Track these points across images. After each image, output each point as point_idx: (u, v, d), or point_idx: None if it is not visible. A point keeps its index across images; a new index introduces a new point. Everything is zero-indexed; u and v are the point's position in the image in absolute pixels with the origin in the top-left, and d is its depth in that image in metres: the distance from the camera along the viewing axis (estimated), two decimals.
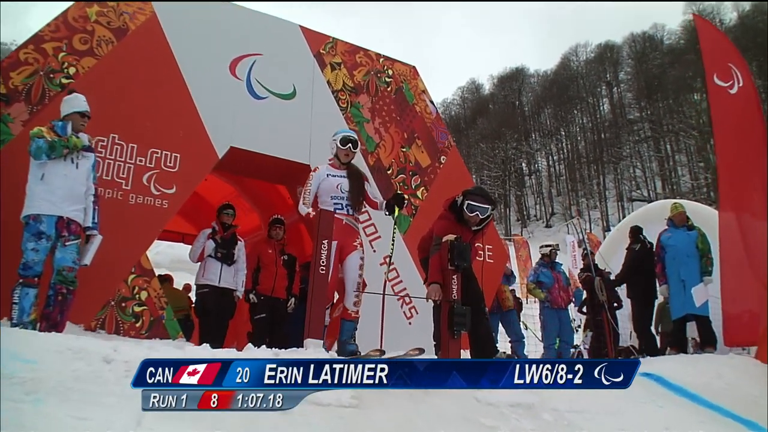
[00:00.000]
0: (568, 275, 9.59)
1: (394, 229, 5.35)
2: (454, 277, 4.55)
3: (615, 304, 9.23)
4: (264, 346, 6.75)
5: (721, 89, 7.42)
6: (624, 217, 57.36)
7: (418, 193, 8.14)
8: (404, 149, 8.20)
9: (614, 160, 62.58)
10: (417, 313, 7.44)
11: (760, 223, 6.68)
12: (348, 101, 7.91)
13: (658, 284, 7.93)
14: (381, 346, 4.73)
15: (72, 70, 6.01)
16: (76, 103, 5.00)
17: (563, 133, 73.69)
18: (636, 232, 8.85)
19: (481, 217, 4.96)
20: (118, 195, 5.96)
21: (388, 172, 7.96)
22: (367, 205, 5.47)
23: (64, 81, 5.92)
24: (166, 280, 9.29)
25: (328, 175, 5.32)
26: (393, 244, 5.29)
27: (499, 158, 72.85)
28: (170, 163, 6.34)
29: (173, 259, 17.47)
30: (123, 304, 5.77)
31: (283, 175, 7.83)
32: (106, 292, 5.70)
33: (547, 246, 9.57)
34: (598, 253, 11.50)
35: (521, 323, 10.14)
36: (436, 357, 5.12)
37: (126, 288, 5.82)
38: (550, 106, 76.02)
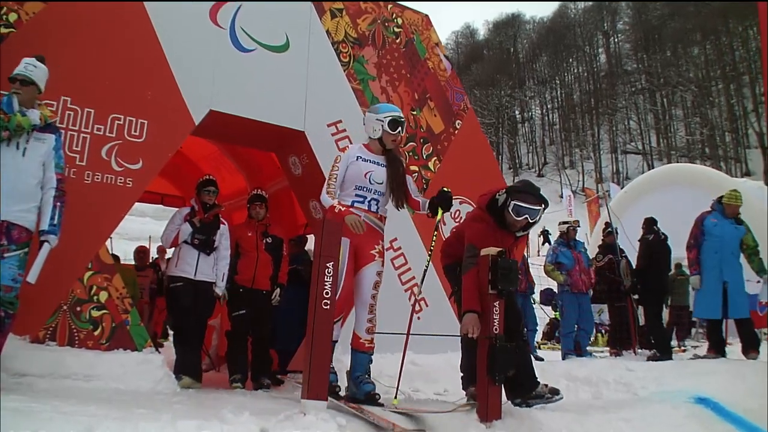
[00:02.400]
0: (589, 255, 8.62)
1: (434, 239, 4.24)
2: (496, 304, 3.51)
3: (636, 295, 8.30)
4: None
5: None
6: (618, 170, 57.12)
7: (430, 164, 7.05)
8: (414, 112, 7.05)
9: (609, 112, 61.29)
10: (427, 305, 6.46)
11: None
12: (350, 55, 6.70)
13: (689, 272, 7.08)
14: (396, 394, 3.94)
15: (13, 17, 4.81)
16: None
17: (558, 81, 72.14)
18: (650, 223, 8.08)
19: (530, 220, 3.88)
20: (71, 173, 4.82)
21: None
22: (406, 205, 4.46)
23: (3, 30, 4.73)
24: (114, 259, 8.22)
25: (358, 157, 4.29)
26: (428, 262, 4.22)
27: (493, 105, 71.33)
28: (136, 131, 5.20)
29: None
30: (78, 309, 4.72)
31: (272, 143, 6.68)
32: (57, 294, 4.64)
33: (564, 223, 8.58)
34: (610, 208, 10.41)
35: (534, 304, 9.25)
36: (464, 393, 4.17)
37: (81, 288, 4.76)
38: (546, 54, 74.21)
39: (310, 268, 7.58)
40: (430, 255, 4.25)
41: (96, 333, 4.75)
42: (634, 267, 8.15)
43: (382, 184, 4.27)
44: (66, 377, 4.27)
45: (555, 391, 4.04)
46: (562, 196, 40.28)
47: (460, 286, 4.08)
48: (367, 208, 4.21)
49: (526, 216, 3.86)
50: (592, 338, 10.12)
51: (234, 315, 5.84)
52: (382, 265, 4.22)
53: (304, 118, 6.22)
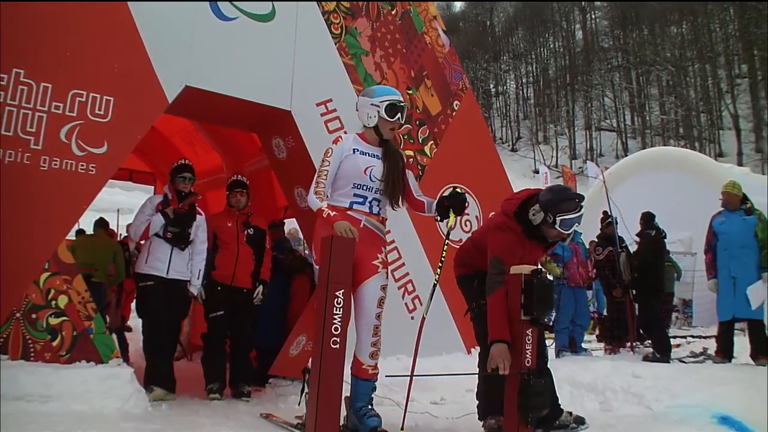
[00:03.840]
0: (588, 247, 8.20)
1: (444, 248, 3.63)
2: (529, 332, 3.00)
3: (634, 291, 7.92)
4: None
5: None
6: (592, 146, 57.09)
7: (426, 149, 6.49)
8: (410, 91, 6.46)
9: (585, 88, 61.04)
10: (421, 304, 5.96)
11: None
12: (342, 26, 6.06)
13: (706, 277, 6.75)
14: (403, 424, 3.35)
15: None
16: None
17: (533, 56, 71.63)
18: (648, 218, 7.70)
19: (572, 231, 3.34)
20: (24, 158, 4.18)
21: None
22: (404, 204, 3.85)
23: None
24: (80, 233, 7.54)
25: (355, 150, 3.68)
26: (436, 282, 3.60)
27: (468, 78, 70.44)
28: (100, 110, 4.54)
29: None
30: (33, 316, 4.11)
31: (255, 123, 6.04)
32: (9, 300, 4.02)
33: None
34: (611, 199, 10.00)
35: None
36: (480, 424, 3.68)
37: (37, 292, 4.14)
38: (522, 28, 73.48)
39: (290, 256, 7.11)
40: (439, 271, 3.61)
41: (54, 344, 4.14)
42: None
43: (384, 181, 3.69)
44: (18, 399, 3.68)
45: (580, 420, 3.59)
46: (537, 172, 40.09)
47: (478, 302, 3.58)
48: (368, 210, 3.64)
49: (575, 226, 3.33)
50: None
51: (211, 316, 5.25)
52: (387, 278, 3.64)
53: (290, 96, 5.60)
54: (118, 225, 14.93)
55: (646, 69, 55.25)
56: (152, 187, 9.98)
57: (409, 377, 3.47)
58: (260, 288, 5.51)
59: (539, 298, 2.97)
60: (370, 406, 3.49)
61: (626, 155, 49.67)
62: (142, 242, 5.25)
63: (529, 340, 3.00)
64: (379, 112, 3.67)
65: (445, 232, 3.64)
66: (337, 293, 2.58)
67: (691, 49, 52.71)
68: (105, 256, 6.65)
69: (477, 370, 3.68)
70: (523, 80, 72.31)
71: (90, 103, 4.48)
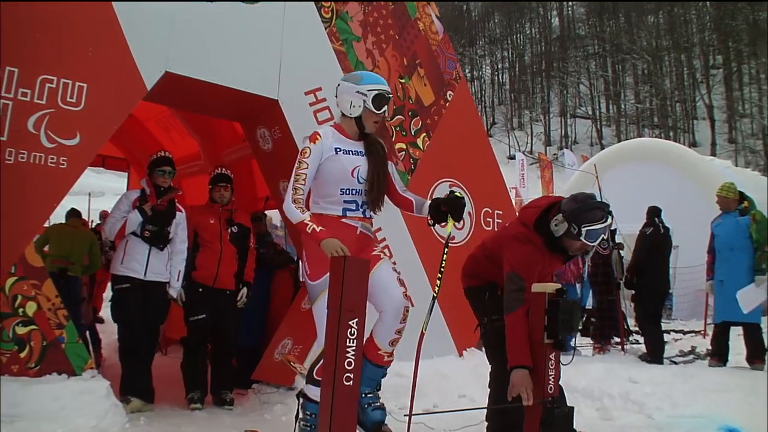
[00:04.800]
0: None
1: (444, 257, 3.29)
2: (551, 357, 2.74)
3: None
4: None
5: None
6: (567, 133, 57.27)
7: (418, 141, 6.19)
8: (403, 80, 6.14)
9: (560, 75, 61.11)
10: (413, 305, 5.65)
11: None
12: (333, 10, 5.70)
13: (705, 278, 6.67)
14: None
15: None
16: None
17: (509, 42, 71.50)
18: (652, 213, 7.43)
19: (597, 243, 3.07)
20: None
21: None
22: (386, 201, 3.42)
23: None
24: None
25: (338, 150, 3.24)
26: (434, 299, 3.28)
27: None
28: (72, 97, 4.16)
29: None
30: None
31: (239, 112, 5.68)
32: None
33: None
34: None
35: None
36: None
37: (3, 299, 3.78)
38: (499, 13, 73.21)
39: (272, 250, 6.78)
40: (439, 283, 3.26)
41: (22, 355, 3.80)
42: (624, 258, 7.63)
43: (368, 181, 3.29)
44: None
45: None
46: (512, 158, 39.89)
47: (489, 317, 3.31)
48: (362, 215, 3.26)
49: (602, 236, 3.06)
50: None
51: (191, 320, 4.92)
52: (408, 298, 3.27)
53: (278, 84, 5.25)
54: (89, 209, 14.39)
55: (621, 57, 55.46)
56: (126, 174, 9.61)
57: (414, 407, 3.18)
58: (244, 290, 5.20)
59: (564, 320, 2.71)
60: (376, 395, 3.15)
61: (601, 143, 50.14)
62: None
63: (551, 365, 2.74)
64: (365, 101, 3.22)
65: (443, 236, 3.31)
66: (350, 323, 2.23)
67: (667, 39, 53.00)
68: (81, 247, 6.20)
69: (488, 391, 3.43)
70: (499, 66, 72.18)
71: (61, 90, 4.09)
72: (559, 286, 2.84)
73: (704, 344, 8.30)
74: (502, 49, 72.64)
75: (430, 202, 3.40)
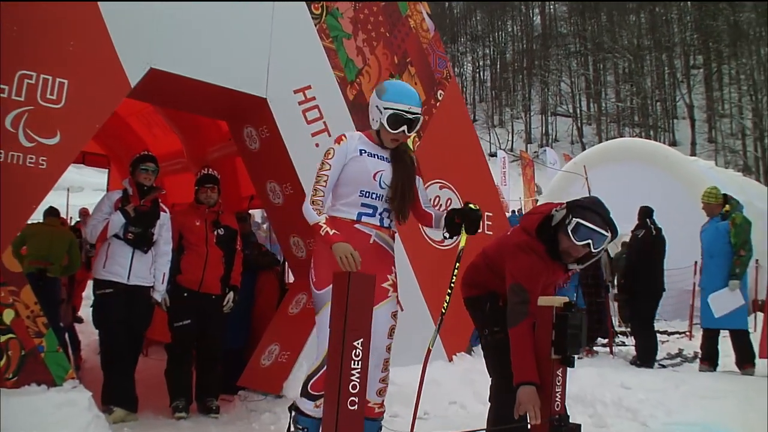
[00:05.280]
0: None
1: (454, 273, 3.15)
2: (559, 373, 2.63)
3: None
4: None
5: None
6: (547, 131, 57.52)
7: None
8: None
9: (542, 73, 61.33)
10: (402, 309, 5.55)
11: None
12: (323, 6, 5.56)
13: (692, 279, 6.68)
14: None
15: None
16: None
17: (491, 39, 71.61)
18: (644, 214, 7.34)
19: (593, 249, 2.93)
20: None
21: None
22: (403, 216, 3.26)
23: None
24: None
25: (363, 151, 3.12)
26: (446, 307, 3.13)
27: None
28: (52, 94, 3.96)
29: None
30: None
31: (225, 110, 5.51)
32: None
33: None
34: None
35: None
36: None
37: None
38: (481, 10, 73.30)
39: (257, 251, 6.62)
40: (448, 299, 3.12)
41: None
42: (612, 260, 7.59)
43: (391, 188, 3.16)
44: None
45: None
46: (493, 155, 39.90)
47: (491, 329, 3.20)
48: (378, 224, 3.12)
49: (589, 241, 2.87)
50: None
51: (176, 325, 4.75)
52: (398, 303, 3.22)
53: (266, 81, 5.10)
54: (68, 205, 14.06)
55: (603, 56, 55.79)
56: (106, 170, 9.37)
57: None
58: (231, 295, 5.04)
59: (573, 335, 2.60)
60: None
61: (581, 141, 50.43)
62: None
63: (558, 382, 2.63)
64: (380, 119, 3.09)
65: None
66: (355, 343, 2.10)
67: (648, 38, 53.41)
68: (60, 247, 5.97)
69: (488, 405, 3.32)
70: (480, 63, 72.29)
71: (41, 87, 3.90)
72: (566, 299, 2.72)
73: (691, 346, 8.32)
74: (483, 46, 72.68)
75: (445, 214, 3.28)
